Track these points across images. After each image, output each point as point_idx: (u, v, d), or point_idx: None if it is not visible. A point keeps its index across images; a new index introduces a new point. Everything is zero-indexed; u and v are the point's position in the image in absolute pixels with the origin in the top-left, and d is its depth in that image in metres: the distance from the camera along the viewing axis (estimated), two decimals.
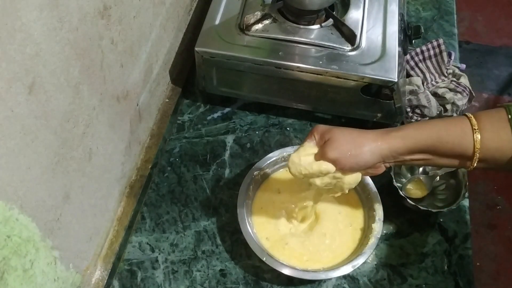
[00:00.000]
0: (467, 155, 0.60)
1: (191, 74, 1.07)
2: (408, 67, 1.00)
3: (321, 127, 0.66)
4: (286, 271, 0.74)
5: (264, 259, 0.75)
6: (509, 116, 0.58)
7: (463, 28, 2.32)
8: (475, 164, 0.61)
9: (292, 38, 0.90)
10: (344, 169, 0.64)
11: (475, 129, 0.59)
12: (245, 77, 0.93)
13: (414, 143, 0.61)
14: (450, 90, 0.98)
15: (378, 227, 0.78)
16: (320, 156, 0.64)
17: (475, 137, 0.59)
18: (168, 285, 0.81)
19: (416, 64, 1.00)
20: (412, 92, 0.95)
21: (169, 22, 0.94)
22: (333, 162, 0.63)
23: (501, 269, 1.66)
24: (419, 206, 0.83)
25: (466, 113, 0.61)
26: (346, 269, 0.74)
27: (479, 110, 1.98)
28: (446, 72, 1.00)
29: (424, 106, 0.94)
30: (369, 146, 0.62)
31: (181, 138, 0.98)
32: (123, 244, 0.85)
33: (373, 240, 0.77)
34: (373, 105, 0.91)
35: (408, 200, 0.84)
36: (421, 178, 0.89)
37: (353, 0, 0.96)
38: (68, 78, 0.59)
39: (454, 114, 0.98)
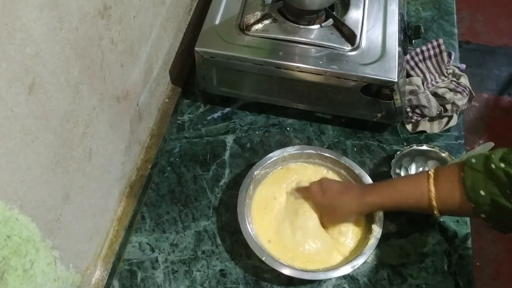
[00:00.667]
0: (428, 209, 0.70)
1: (191, 74, 1.07)
2: (408, 67, 1.00)
3: (311, 194, 0.81)
4: (285, 271, 0.74)
5: (263, 258, 0.75)
6: (461, 174, 0.66)
7: (463, 28, 2.32)
8: (439, 215, 0.70)
9: (292, 38, 0.90)
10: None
11: (430, 190, 0.68)
12: (245, 77, 0.93)
13: (380, 205, 0.76)
14: (450, 90, 0.98)
15: (378, 228, 0.78)
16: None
17: (430, 197, 0.69)
18: (168, 285, 0.81)
19: (416, 64, 1.00)
20: (412, 92, 0.95)
21: (169, 22, 0.94)
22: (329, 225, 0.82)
23: (501, 269, 1.66)
24: None
25: (429, 171, 0.70)
26: (346, 270, 0.74)
27: (479, 110, 1.97)
28: (446, 72, 1.00)
29: (424, 106, 0.94)
30: (348, 212, 0.79)
31: (181, 138, 0.98)
32: (123, 244, 0.85)
33: (372, 241, 0.77)
34: (373, 105, 0.91)
35: None
36: None
37: (353, 0, 0.96)
38: (68, 78, 0.59)
39: (454, 114, 0.98)
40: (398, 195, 0.73)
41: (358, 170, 0.84)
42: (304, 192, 0.83)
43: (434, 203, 0.68)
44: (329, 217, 0.80)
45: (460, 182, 0.65)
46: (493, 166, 0.62)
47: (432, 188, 0.68)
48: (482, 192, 0.63)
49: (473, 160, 0.65)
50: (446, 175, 0.68)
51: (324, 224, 0.81)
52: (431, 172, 0.70)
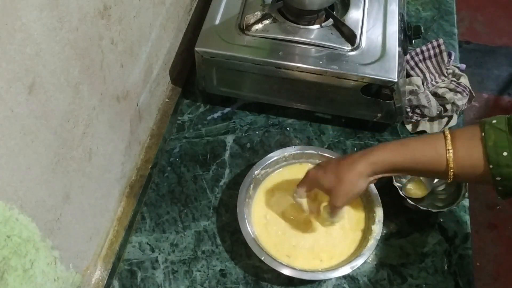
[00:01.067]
0: (443, 172, 0.64)
1: (191, 74, 1.07)
2: (408, 67, 1.00)
3: (311, 179, 0.74)
4: (285, 271, 0.74)
5: (262, 258, 0.75)
6: (482, 134, 0.60)
7: (463, 28, 2.32)
8: (451, 179, 0.64)
9: (292, 38, 0.90)
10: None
11: (448, 149, 0.62)
12: (245, 77, 0.93)
13: (391, 164, 0.67)
14: (450, 90, 0.98)
15: (378, 229, 0.78)
16: (332, 208, 0.72)
17: (447, 156, 0.62)
18: (168, 285, 0.81)
19: (416, 64, 1.00)
20: (412, 92, 0.95)
21: (169, 22, 0.94)
22: (343, 205, 0.72)
23: (501, 269, 1.66)
24: (419, 206, 0.83)
25: (444, 131, 0.64)
26: (345, 270, 0.74)
27: (479, 110, 1.98)
28: (446, 72, 1.00)
29: (424, 106, 0.94)
30: (357, 176, 0.69)
31: (181, 138, 0.98)
32: (123, 244, 0.85)
33: (372, 242, 0.77)
34: (373, 105, 0.91)
35: (408, 200, 0.84)
36: (421, 178, 0.89)
37: (353, 0, 0.96)
38: (68, 78, 0.59)
39: (454, 114, 0.98)
40: (411, 154, 0.66)
41: None
42: (303, 182, 0.76)
43: (451, 163, 0.62)
44: (337, 192, 0.70)
45: (481, 141, 0.60)
46: None
47: (450, 147, 0.62)
48: (505, 153, 0.58)
49: (494, 121, 0.61)
50: (464, 135, 0.63)
51: (331, 208, 0.73)
52: (447, 133, 0.64)
